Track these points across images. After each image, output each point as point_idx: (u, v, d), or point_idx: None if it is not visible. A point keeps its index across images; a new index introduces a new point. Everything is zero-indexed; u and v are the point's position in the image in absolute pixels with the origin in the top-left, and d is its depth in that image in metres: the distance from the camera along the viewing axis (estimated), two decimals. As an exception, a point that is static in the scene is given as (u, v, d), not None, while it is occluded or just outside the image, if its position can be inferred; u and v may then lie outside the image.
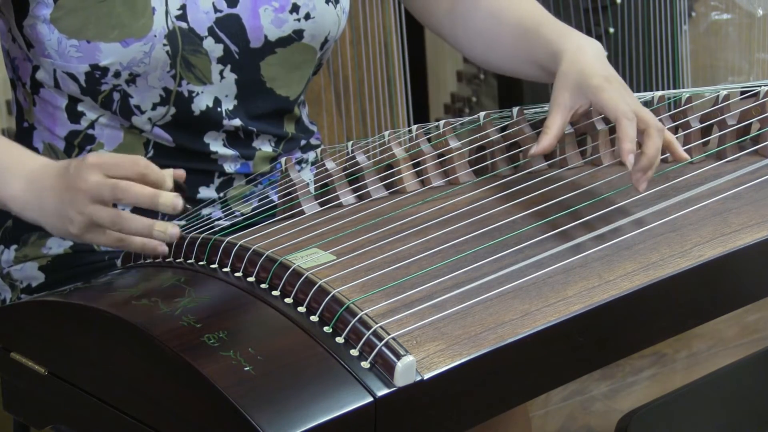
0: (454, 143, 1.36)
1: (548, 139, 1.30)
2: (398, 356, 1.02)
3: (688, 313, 1.25)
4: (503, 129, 1.39)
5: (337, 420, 0.98)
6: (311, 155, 1.53)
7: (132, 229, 1.17)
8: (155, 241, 1.18)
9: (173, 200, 1.16)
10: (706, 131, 1.43)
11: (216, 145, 1.43)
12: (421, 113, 2.78)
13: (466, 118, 1.41)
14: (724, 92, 1.43)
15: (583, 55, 1.36)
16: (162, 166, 1.19)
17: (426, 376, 1.03)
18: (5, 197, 1.24)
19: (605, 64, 1.36)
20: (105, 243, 1.19)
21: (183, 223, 1.35)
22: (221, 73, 1.40)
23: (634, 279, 1.17)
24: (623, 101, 1.30)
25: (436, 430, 1.07)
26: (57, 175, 1.21)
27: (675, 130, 1.42)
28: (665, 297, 1.20)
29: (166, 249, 1.19)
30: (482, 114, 1.40)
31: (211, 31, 1.38)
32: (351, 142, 1.39)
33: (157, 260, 1.22)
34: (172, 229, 1.18)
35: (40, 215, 1.22)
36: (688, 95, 1.44)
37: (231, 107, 1.41)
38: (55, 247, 1.43)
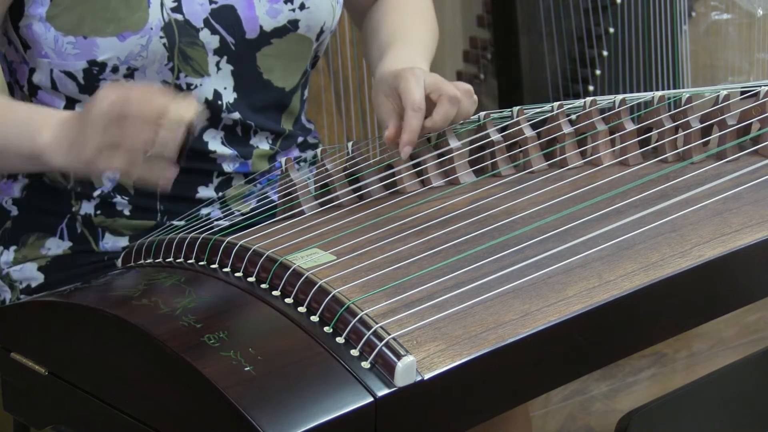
0: (454, 143, 1.36)
1: (393, 123, 1.33)
2: (398, 356, 1.02)
3: (688, 313, 1.25)
4: (503, 129, 1.39)
5: (338, 420, 0.98)
6: (310, 154, 1.53)
7: (140, 175, 1.16)
8: (160, 174, 1.16)
9: (186, 108, 1.15)
10: (706, 131, 1.43)
11: (214, 144, 1.43)
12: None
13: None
14: (724, 92, 1.43)
15: (392, 65, 1.41)
16: None
17: (426, 376, 1.03)
18: (38, 150, 1.24)
19: (413, 64, 1.40)
20: (117, 165, 1.17)
21: (183, 223, 1.35)
22: (218, 64, 1.40)
23: (634, 279, 1.17)
24: (410, 87, 1.32)
25: (436, 430, 1.07)
26: (78, 114, 1.24)
27: (675, 130, 1.42)
28: (665, 297, 1.20)
29: (173, 174, 1.17)
30: (482, 114, 1.40)
31: (206, 23, 1.38)
32: (351, 142, 1.39)
33: (157, 260, 1.22)
34: (170, 171, 1.16)
35: (67, 157, 1.22)
36: (688, 95, 1.44)
37: (231, 100, 1.42)
38: (54, 247, 1.44)
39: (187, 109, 1.15)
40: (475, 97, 1.36)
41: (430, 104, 1.33)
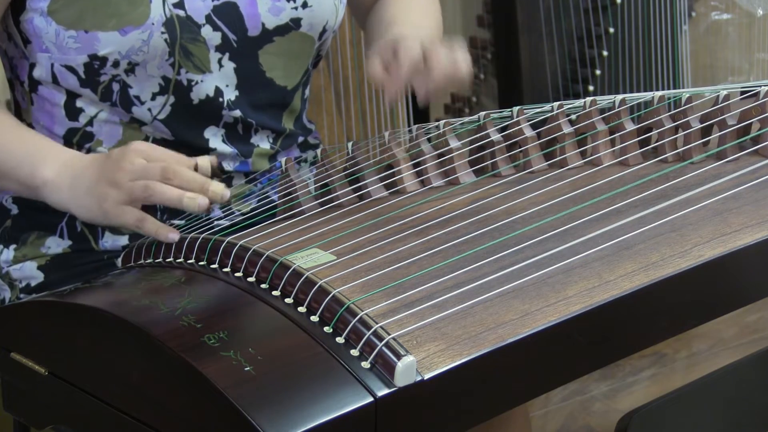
0: (454, 143, 1.36)
1: (372, 65, 1.32)
2: (398, 356, 1.02)
3: (688, 313, 1.25)
4: (503, 129, 1.39)
5: (338, 420, 0.98)
6: (310, 154, 1.53)
7: (162, 194, 1.21)
8: (168, 228, 1.22)
9: (222, 190, 1.22)
10: (706, 131, 1.43)
11: (215, 141, 1.43)
12: (421, 113, 2.78)
13: (466, 118, 1.41)
14: (724, 92, 1.43)
15: (394, 33, 1.39)
16: None
17: (426, 376, 1.03)
18: (38, 181, 1.30)
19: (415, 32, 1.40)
20: (126, 221, 1.23)
21: (182, 222, 1.35)
22: (220, 61, 1.40)
23: (634, 279, 1.17)
24: (415, 46, 1.31)
25: (436, 430, 1.07)
26: (95, 158, 1.28)
27: (675, 130, 1.42)
28: (665, 297, 1.20)
29: (177, 237, 1.22)
30: (482, 114, 1.40)
31: (208, 19, 1.38)
32: (351, 142, 1.39)
33: (157, 260, 1.22)
34: (202, 199, 1.21)
35: (71, 197, 1.28)
36: (688, 95, 1.44)
37: (233, 98, 1.42)
38: (54, 246, 1.44)
39: (222, 192, 1.22)
40: (468, 57, 1.35)
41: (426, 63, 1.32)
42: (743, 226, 1.26)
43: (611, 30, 2.56)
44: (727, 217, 1.27)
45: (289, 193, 1.32)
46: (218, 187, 1.22)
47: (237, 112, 1.43)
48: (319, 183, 1.34)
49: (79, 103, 1.40)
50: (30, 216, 1.44)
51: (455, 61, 1.32)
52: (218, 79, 1.41)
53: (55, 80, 1.38)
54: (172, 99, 1.39)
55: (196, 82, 1.39)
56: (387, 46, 1.33)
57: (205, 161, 1.25)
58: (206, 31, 1.38)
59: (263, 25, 1.41)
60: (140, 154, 1.23)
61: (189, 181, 1.21)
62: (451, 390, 1.06)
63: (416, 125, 1.39)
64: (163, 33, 1.35)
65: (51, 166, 1.30)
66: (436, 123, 1.39)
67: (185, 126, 1.41)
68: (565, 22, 2.54)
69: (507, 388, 1.12)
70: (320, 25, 1.45)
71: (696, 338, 2.71)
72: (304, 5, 1.43)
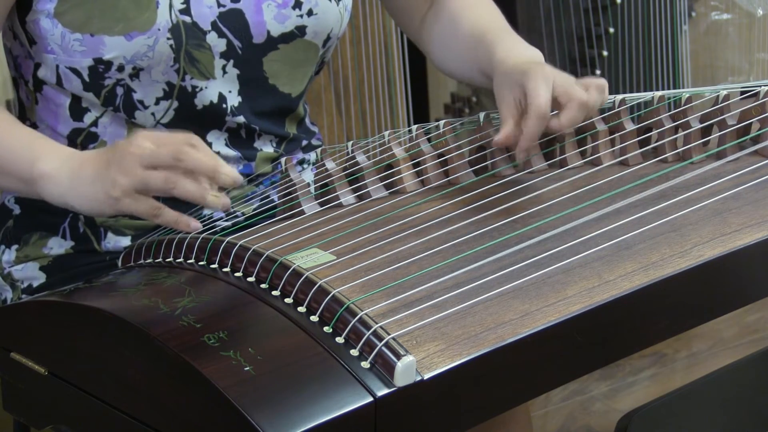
0: (454, 143, 1.36)
1: (507, 128, 1.30)
2: (398, 356, 1.02)
3: (688, 313, 1.25)
4: (503, 129, 1.39)
5: (337, 420, 0.98)
6: (312, 156, 1.53)
7: (185, 190, 1.18)
8: (188, 218, 1.20)
9: (234, 174, 1.18)
10: (706, 131, 1.43)
11: (218, 145, 1.43)
12: (421, 113, 2.78)
13: (466, 118, 1.41)
14: (724, 92, 1.43)
15: (514, 57, 1.37)
16: None
17: (426, 376, 1.03)
18: (36, 174, 1.27)
19: (538, 59, 1.38)
20: (141, 211, 1.20)
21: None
22: (224, 68, 1.40)
23: (634, 279, 1.17)
24: (548, 70, 1.30)
25: (436, 430, 1.07)
26: (99, 150, 1.26)
27: (675, 130, 1.42)
28: (665, 297, 1.20)
29: (199, 225, 1.20)
30: (482, 114, 1.40)
31: (214, 26, 1.38)
32: (351, 142, 1.39)
33: (157, 260, 1.22)
34: (225, 198, 1.19)
35: (71, 188, 1.24)
36: (688, 95, 1.44)
37: (236, 104, 1.42)
38: (56, 247, 1.44)
39: (234, 175, 1.18)
40: (607, 90, 1.34)
41: (557, 105, 1.30)
42: (743, 226, 1.26)
43: (611, 30, 2.56)
44: (727, 217, 1.27)
45: (289, 193, 1.32)
46: (230, 170, 1.18)
47: (240, 118, 1.42)
48: (319, 183, 1.34)
49: (84, 104, 1.40)
50: (32, 216, 1.44)
51: (588, 107, 1.30)
52: (222, 86, 1.40)
53: (59, 82, 1.38)
54: (175, 104, 1.39)
55: (200, 89, 1.39)
56: (518, 87, 1.31)
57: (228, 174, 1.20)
58: (211, 38, 1.38)
59: (268, 32, 1.41)
60: (148, 139, 1.20)
61: (200, 162, 1.18)
62: (451, 390, 1.06)
63: (416, 125, 1.39)
64: (168, 39, 1.35)
65: (49, 160, 1.27)
66: (436, 123, 1.39)
67: (188, 130, 1.41)
68: (565, 22, 2.54)
69: (507, 388, 1.12)
70: (325, 33, 1.45)
71: (696, 338, 2.71)
72: (310, 13, 1.42)
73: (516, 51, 1.40)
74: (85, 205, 1.25)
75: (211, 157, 1.19)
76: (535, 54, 1.40)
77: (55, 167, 1.26)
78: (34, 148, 1.29)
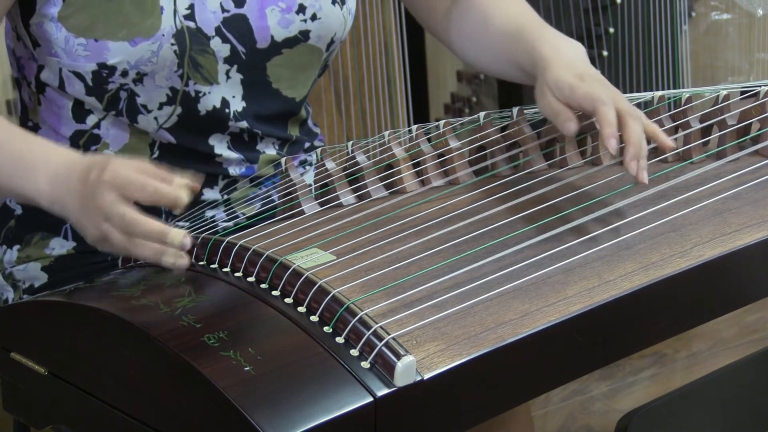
0: (454, 143, 1.36)
1: (571, 125, 1.29)
2: (398, 356, 1.02)
3: (688, 313, 1.25)
4: (503, 129, 1.39)
5: (337, 420, 0.98)
6: (313, 156, 1.53)
7: (141, 256, 1.16)
8: (187, 258, 1.17)
9: (181, 238, 1.15)
10: (706, 131, 1.43)
11: (220, 148, 1.43)
12: (421, 113, 2.78)
13: (466, 118, 1.41)
14: (724, 92, 1.43)
15: (559, 59, 1.35)
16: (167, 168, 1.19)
17: (426, 376, 1.03)
18: (32, 193, 1.23)
19: (582, 62, 1.36)
20: (145, 256, 1.17)
21: (187, 224, 1.35)
22: (227, 73, 1.40)
23: (634, 279, 1.17)
24: (597, 92, 1.28)
25: (436, 430, 1.07)
26: (79, 180, 1.19)
27: (675, 130, 1.42)
28: (665, 297, 1.20)
29: (185, 263, 1.17)
30: (482, 114, 1.40)
31: (218, 31, 1.38)
32: (351, 142, 1.39)
33: (157, 260, 1.22)
34: (185, 238, 1.15)
35: (65, 214, 1.22)
36: (688, 95, 1.44)
37: (239, 109, 1.42)
38: (58, 247, 1.44)
39: (182, 239, 1.15)
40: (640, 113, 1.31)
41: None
42: (743, 226, 1.26)
43: (611, 30, 2.56)
44: (727, 217, 1.27)
45: (289, 193, 1.32)
46: (177, 235, 1.15)
47: (243, 123, 1.42)
48: (319, 183, 1.34)
49: (86, 107, 1.40)
50: (34, 217, 1.44)
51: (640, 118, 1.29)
52: (225, 91, 1.40)
53: (61, 86, 1.38)
54: (179, 109, 1.39)
55: (204, 94, 1.39)
56: (571, 104, 1.30)
57: (176, 236, 1.17)
58: (215, 43, 1.38)
59: (272, 37, 1.40)
60: (112, 189, 1.16)
61: (148, 233, 1.15)
62: (450, 390, 1.06)
63: (416, 125, 1.38)
64: (173, 44, 1.35)
65: (42, 180, 1.22)
66: (436, 123, 1.39)
67: (191, 135, 1.41)
68: (565, 22, 2.54)
69: (507, 388, 1.12)
70: (328, 37, 1.45)
71: (696, 338, 2.71)
72: (314, 17, 1.42)
73: (561, 51, 1.37)
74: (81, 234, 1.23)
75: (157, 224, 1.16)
76: (579, 53, 1.38)
77: (46, 195, 1.22)
78: (23, 165, 1.24)
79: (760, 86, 1.45)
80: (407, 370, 1.02)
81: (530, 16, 1.47)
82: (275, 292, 1.11)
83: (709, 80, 2.79)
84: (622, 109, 1.27)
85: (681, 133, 1.42)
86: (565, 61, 1.34)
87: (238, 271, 1.15)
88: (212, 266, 1.18)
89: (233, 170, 1.44)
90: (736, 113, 1.42)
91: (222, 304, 1.12)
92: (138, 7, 1.33)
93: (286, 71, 1.44)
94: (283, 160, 1.35)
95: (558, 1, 2.52)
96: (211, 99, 1.40)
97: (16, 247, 1.45)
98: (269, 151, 1.47)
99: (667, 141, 1.30)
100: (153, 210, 1.25)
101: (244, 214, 1.44)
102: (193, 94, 1.38)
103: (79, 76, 1.36)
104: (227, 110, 1.41)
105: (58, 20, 1.33)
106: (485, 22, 1.50)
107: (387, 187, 1.33)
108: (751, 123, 1.43)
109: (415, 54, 2.35)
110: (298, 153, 1.51)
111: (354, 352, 1.04)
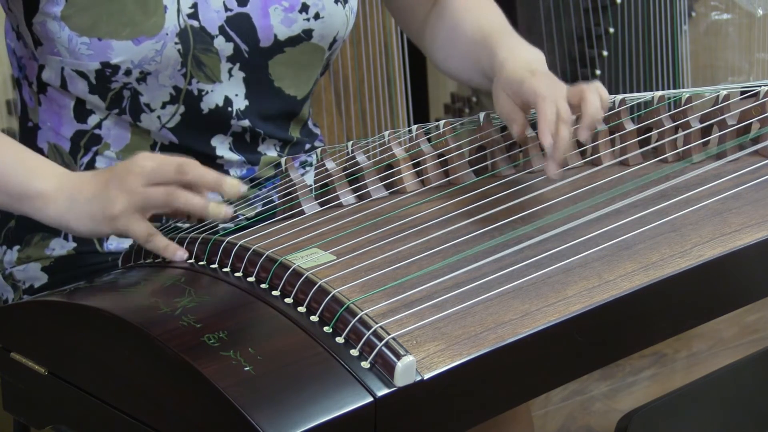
0: (454, 143, 1.36)
1: (517, 128, 1.32)
2: (398, 356, 1.02)
3: (688, 313, 1.25)
4: (503, 129, 1.39)
5: (337, 420, 0.98)
6: (314, 156, 1.53)
7: (187, 201, 1.18)
8: (176, 246, 1.19)
9: (238, 184, 1.20)
10: (706, 131, 1.43)
11: (222, 149, 1.43)
12: (421, 113, 2.78)
13: (466, 118, 1.41)
14: (724, 92, 1.43)
15: (513, 60, 1.37)
16: None
17: (426, 376, 1.03)
18: (33, 193, 1.23)
19: (538, 63, 1.38)
20: (136, 232, 1.19)
21: (187, 225, 1.35)
22: (230, 71, 1.40)
23: (634, 279, 1.17)
24: (540, 87, 1.29)
25: (436, 430, 1.07)
26: (96, 172, 1.23)
27: (675, 130, 1.42)
28: (665, 297, 1.20)
29: (185, 255, 1.19)
30: (482, 114, 1.40)
31: (221, 30, 1.38)
32: (351, 142, 1.39)
33: (158, 260, 1.22)
34: (227, 208, 1.19)
35: (69, 208, 1.21)
36: (688, 95, 1.44)
37: (242, 107, 1.42)
38: (58, 248, 1.44)
39: (239, 186, 1.20)
40: (603, 90, 1.34)
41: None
42: (743, 226, 1.26)
43: (611, 30, 2.56)
44: (727, 217, 1.27)
45: (289, 193, 1.32)
46: (234, 181, 1.19)
47: (246, 122, 1.42)
48: (319, 183, 1.34)
49: (88, 106, 1.40)
50: (34, 217, 1.44)
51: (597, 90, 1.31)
52: (227, 89, 1.40)
53: (63, 85, 1.38)
54: (182, 108, 1.39)
55: (206, 92, 1.39)
56: (519, 99, 1.32)
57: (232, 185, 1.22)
58: (219, 42, 1.38)
59: (275, 36, 1.41)
60: (149, 159, 1.19)
61: (203, 175, 1.19)
62: (450, 390, 1.06)
63: (416, 125, 1.39)
64: (176, 43, 1.35)
65: (46, 179, 1.23)
66: (436, 123, 1.39)
67: (193, 135, 1.41)
68: (565, 22, 2.54)
69: (507, 388, 1.12)
70: (331, 36, 1.45)
71: (696, 338, 2.71)
72: (317, 16, 1.42)
73: (517, 53, 1.40)
74: (82, 225, 1.22)
75: (213, 171, 1.20)
76: (536, 56, 1.40)
77: (52, 187, 1.22)
78: (30, 166, 1.25)
79: (760, 86, 1.45)
80: (407, 370, 1.02)
81: (498, 24, 1.50)
82: (275, 292, 1.11)
83: (709, 80, 2.79)
84: (580, 88, 1.30)
85: (681, 133, 1.42)
86: (519, 63, 1.37)
87: (238, 271, 1.15)
88: (212, 266, 1.18)
89: (234, 172, 1.45)
90: (736, 113, 1.42)
91: (222, 304, 1.12)
92: (141, 6, 1.33)
93: (288, 70, 1.44)
94: (283, 160, 1.35)
95: (558, 1, 2.52)
96: (213, 97, 1.40)
97: (16, 247, 1.45)
98: (270, 152, 1.47)
99: (585, 130, 1.30)
100: (153, 216, 1.26)
101: (244, 215, 1.44)
102: (195, 92, 1.39)
103: (82, 75, 1.36)
104: (230, 108, 1.41)
105: (61, 19, 1.33)
106: (455, 30, 1.52)
107: (387, 187, 1.33)
108: (751, 123, 1.43)
109: (415, 54, 2.35)
110: (299, 154, 1.51)
111: (354, 352, 1.04)
